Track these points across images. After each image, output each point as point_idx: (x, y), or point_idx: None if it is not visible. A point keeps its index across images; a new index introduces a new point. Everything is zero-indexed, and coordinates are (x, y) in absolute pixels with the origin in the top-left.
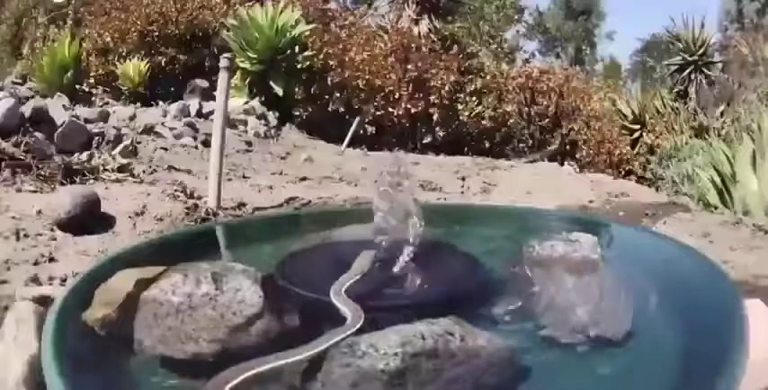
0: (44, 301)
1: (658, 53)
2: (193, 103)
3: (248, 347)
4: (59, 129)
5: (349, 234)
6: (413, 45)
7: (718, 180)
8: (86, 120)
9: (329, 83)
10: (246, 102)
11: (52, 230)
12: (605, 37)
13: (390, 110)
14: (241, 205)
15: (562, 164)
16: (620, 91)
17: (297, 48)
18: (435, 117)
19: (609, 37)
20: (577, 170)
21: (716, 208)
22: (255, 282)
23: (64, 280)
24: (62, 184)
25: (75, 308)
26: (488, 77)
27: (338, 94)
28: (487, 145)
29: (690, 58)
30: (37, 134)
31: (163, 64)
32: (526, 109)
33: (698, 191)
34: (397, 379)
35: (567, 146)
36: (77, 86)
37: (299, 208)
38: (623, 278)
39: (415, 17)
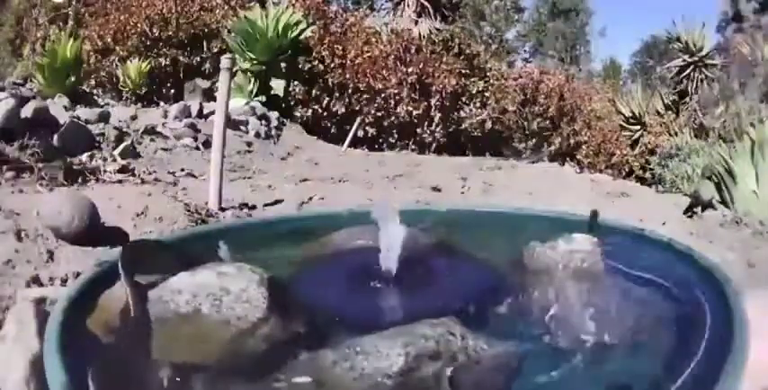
0: (45, 302)
1: (658, 53)
2: (194, 104)
3: (252, 349)
4: (60, 130)
5: (350, 238)
6: (413, 46)
7: (717, 180)
8: (87, 121)
9: (330, 83)
10: (247, 103)
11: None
12: (598, 34)
13: (391, 110)
14: (242, 205)
15: (563, 165)
16: (621, 91)
17: (298, 50)
18: (436, 118)
19: (601, 34)
20: (578, 170)
21: (716, 208)
22: (261, 283)
23: (64, 281)
24: (63, 185)
25: (77, 310)
26: (489, 78)
27: (339, 95)
28: (488, 145)
29: (690, 59)
30: (38, 135)
31: (164, 65)
32: (526, 109)
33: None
34: (400, 380)
35: (568, 147)
36: (78, 87)
37: (299, 208)
38: (623, 280)
39: (415, 18)
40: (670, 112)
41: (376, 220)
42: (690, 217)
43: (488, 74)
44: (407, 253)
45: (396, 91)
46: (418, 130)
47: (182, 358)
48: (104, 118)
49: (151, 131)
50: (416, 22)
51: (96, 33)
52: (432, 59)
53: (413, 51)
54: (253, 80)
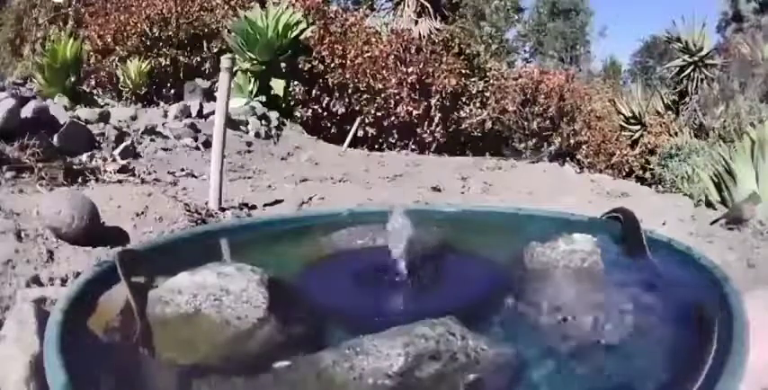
0: (45, 302)
1: (658, 53)
2: (194, 104)
3: (252, 349)
4: (60, 130)
5: (350, 238)
6: (413, 46)
7: (718, 180)
8: (87, 121)
9: (330, 83)
10: (247, 103)
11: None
12: (598, 34)
13: (391, 110)
14: (242, 205)
15: (563, 165)
16: (621, 91)
17: (298, 50)
18: (436, 118)
19: (601, 34)
20: (578, 170)
21: (716, 208)
22: (261, 283)
23: (64, 281)
24: (63, 185)
25: (77, 310)
26: (489, 78)
27: (339, 95)
28: (488, 145)
29: (690, 59)
30: (38, 135)
31: (164, 65)
32: (526, 109)
33: (698, 191)
34: (399, 380)
35: (568, 147)
36: (78, 87)
37: (299, 208)
38: (623, 280)
39: (415, 18)
40: (670, 112)
41: (391, 224)
42: (731, 229)
43: (488, 74)
44: (411, 254)
45: (396, 91)
46: (418, 130)
47: (182, 359)
48: (104, 118)
49: (151, 131)
50: (416, 22)
51: (96, 33)
52: (432, 59)
53: (413, 51)
54: (253, 80)
